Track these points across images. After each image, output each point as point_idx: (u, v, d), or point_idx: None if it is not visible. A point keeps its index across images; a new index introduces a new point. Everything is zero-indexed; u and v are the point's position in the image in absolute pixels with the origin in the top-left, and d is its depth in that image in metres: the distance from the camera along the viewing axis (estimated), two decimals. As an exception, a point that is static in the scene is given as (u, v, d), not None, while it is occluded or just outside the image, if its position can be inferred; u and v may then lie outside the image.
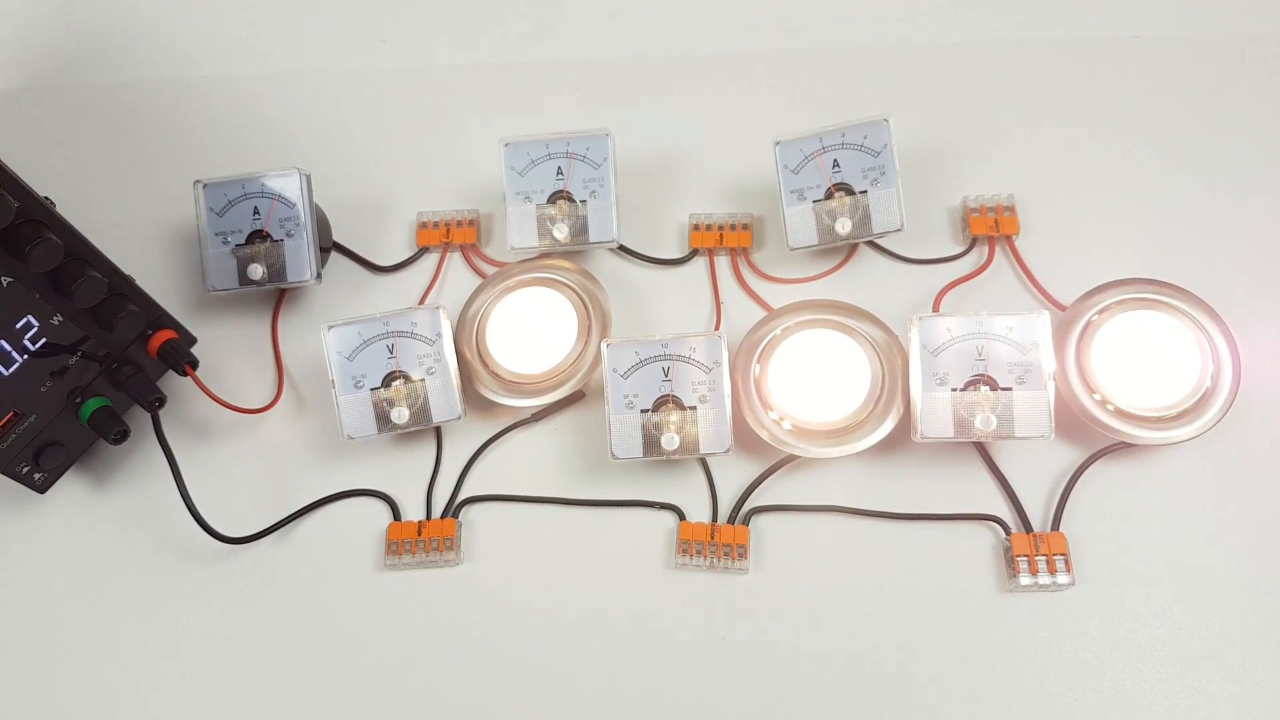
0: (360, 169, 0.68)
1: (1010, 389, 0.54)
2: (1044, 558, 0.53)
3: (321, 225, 0.64)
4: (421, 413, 0.57)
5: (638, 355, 0.55)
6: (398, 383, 0.57)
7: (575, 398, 0.59)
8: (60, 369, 0.54)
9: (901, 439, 0.55)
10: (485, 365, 0.59)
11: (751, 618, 0.54)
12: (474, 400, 0.59)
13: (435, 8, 0.74)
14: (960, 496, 0.56)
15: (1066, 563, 0.53)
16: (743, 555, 0.55)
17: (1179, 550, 0.54)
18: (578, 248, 0.62)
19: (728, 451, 0.55)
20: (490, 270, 0.64)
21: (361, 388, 0.57)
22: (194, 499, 0.55)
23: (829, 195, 0.60)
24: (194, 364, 0.58)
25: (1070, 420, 0.56)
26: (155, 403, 0.56)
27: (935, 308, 0.60)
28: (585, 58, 0.71)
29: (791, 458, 0.56)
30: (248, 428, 0.60)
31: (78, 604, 0.57)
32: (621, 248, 0.64)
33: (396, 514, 0.58)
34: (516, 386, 0.59)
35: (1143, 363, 0.55)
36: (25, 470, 0.56)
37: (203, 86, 0.72)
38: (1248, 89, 0.66)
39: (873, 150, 0.59)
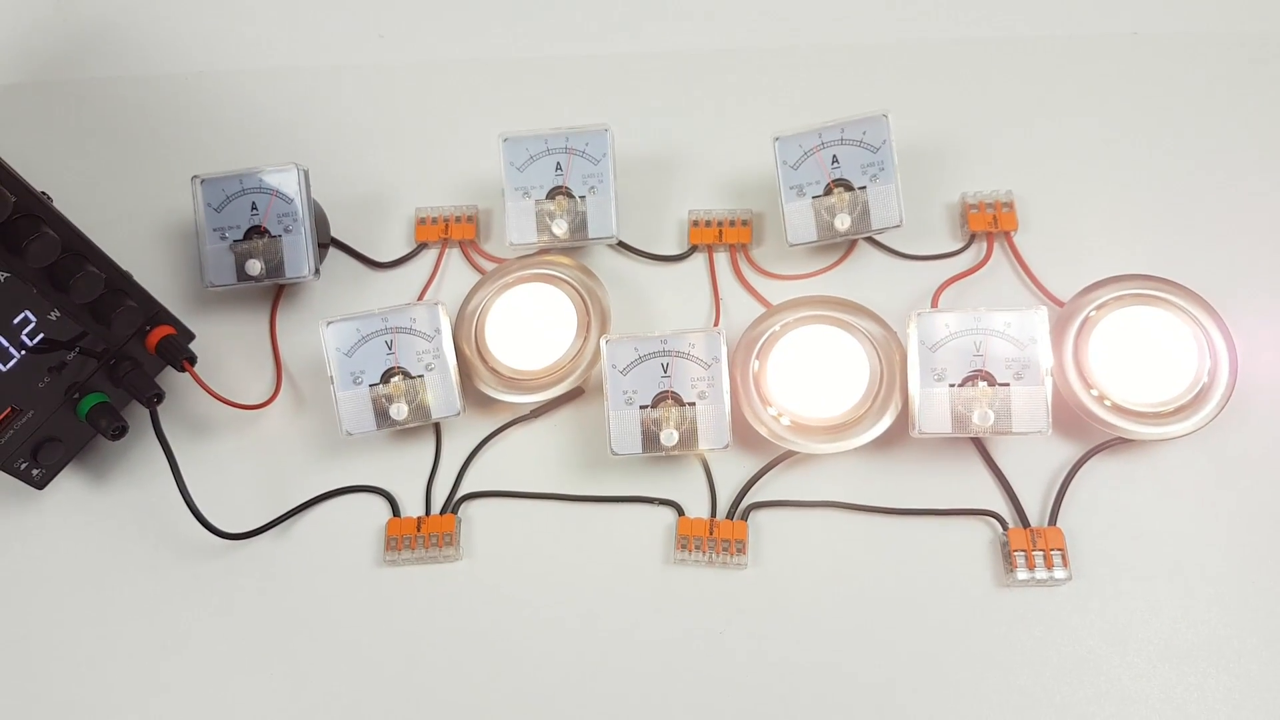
0: (358, 164, 0.68)
1: (1008, 385, 0.54)
2: (1041, 553, 0.53)
3: (320, 221, 0.64)
4: (420, 409, 0.57)
5: (637, 351, 0.55)
6: (397, 379, 0.57)
7: (574, 394, 0.59)
8: (58, 365, 0.54)
9: (899, 435, 0.56)
10: (484, 361, 0.59)
11: (750, 613, 0.54)
12: (473, 396, 0.59)
13: (434, 2, 0.73)
14: (958, 492, 0.56)
15: (1064, 558, 0.53)
16: (741, 551, 0.55)
17: (1176, 545, 0.54)
18: (577, 244, 0.62)
19: (726, 447, 0.55)
20: (489, 266, 0.64)
21: (360, 384, 0.57)
22: (193, 495, 0.55)
23: (828, 191, 0.60)
24: (192, 360, 0.58)
25: (1068, 416, 0.56)
26: (153, 399, 0.56)
27: (934, 304, 0.60)
28: (585, 53, 0.71)
29: (790, 453, 0.57)
30: (246, 424, 0.60)
31: (76, 600, 0.57)
32: (621, 244, 0.64)
33: (396, 510, 0.58)
34: (515, 383, 0.59)
35: (1140, 358, 0.55)
36: (23, 466, 0.56)
37: (200, 82, 0.71)
38: (1246, 86, 0.66)
39: (872, 146, 0.59)
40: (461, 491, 0.58)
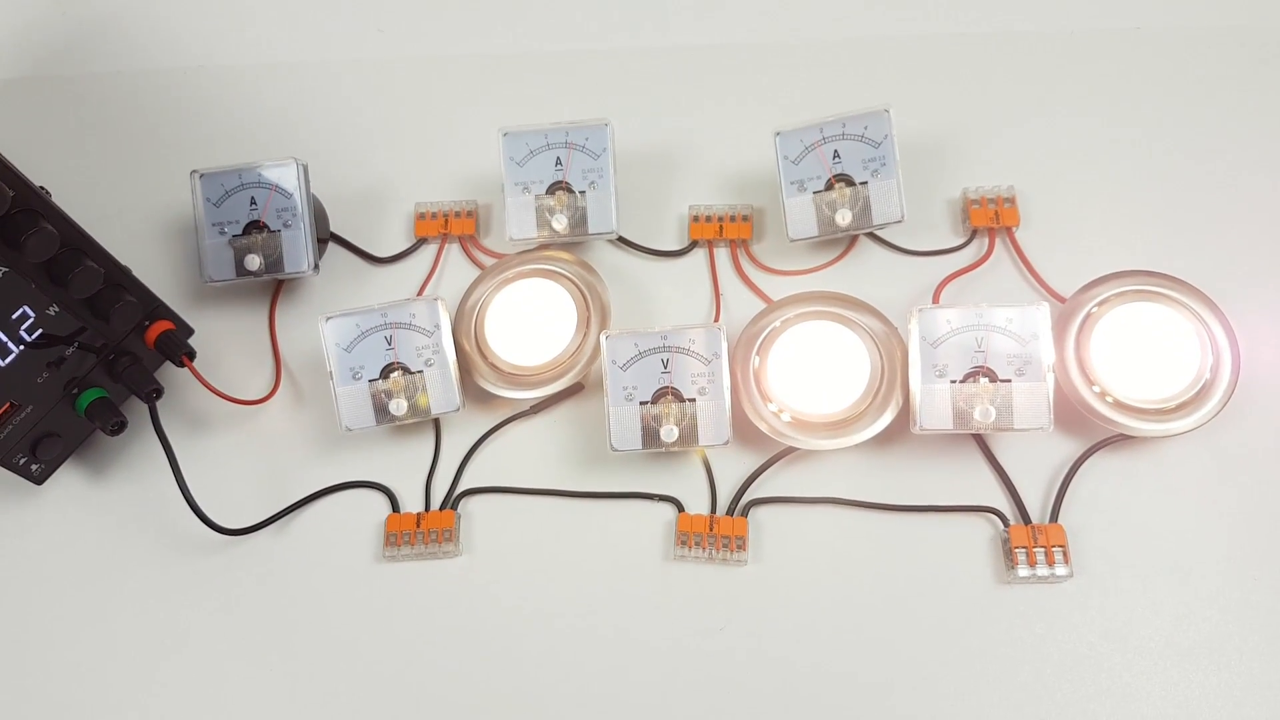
0: (358, 159, 0.67)
1: (1009, 381, 0.54)
2: (1042, 549, 0.53)
3: (319, 216, 0.63)
4: (420, 404, 0.57)
5: (637, 347, 0.55)
6: (396, 374, 0.57)
7: (574, 390, 0.59)
8: (57, 360, 0.54)
9: (901, 431, 0.55)
10: (484, 357, 0.59)
11: (750, 610, 0.54)
12: (473, 392, 0.59)
13: (433, -3, 0.73)
14: (959, 488, 0.56)
15: (1065, 554, 0.53)
16: (741, 547, 0.55)
17: (1177, 542, 0.54)
18: (577, 239, 0.62)
19: (726, 443, 0.55)
20: (489, 261, 0.63)
21: (360, 379, 0.57)
22: (192, 490, 0.55)
23: (829, 186, 0.60)
24: (191, 355, 0.58)
25: (1069, 412, 0.56)
26: (152, 394, 0.56)
27: (935, 300, 0.60)
28: (585, 48, 0.70)
29: (790, 450, 0.56)
30: (245, 419, 0.60)
31: (75, 596, 0.57)
32: (621, 239, 0.63)
33: (395, 506, 0.58)
34: (515, 378, 0.59)
35: (1142, 355, 0.55)
36: (22, 461, 0.56)
37: (199, 76, 0.71)
38: (1248, 81, 0.66)
39: (873, 141, 0.59)
40: (461, 487, 0.58)
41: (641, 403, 0.55)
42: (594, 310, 0.59)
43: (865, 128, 0.59)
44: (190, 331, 0.59)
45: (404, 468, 0.59)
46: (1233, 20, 0.68)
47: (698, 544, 0.55)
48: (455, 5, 0.73)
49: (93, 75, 0.72)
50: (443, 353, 0.57)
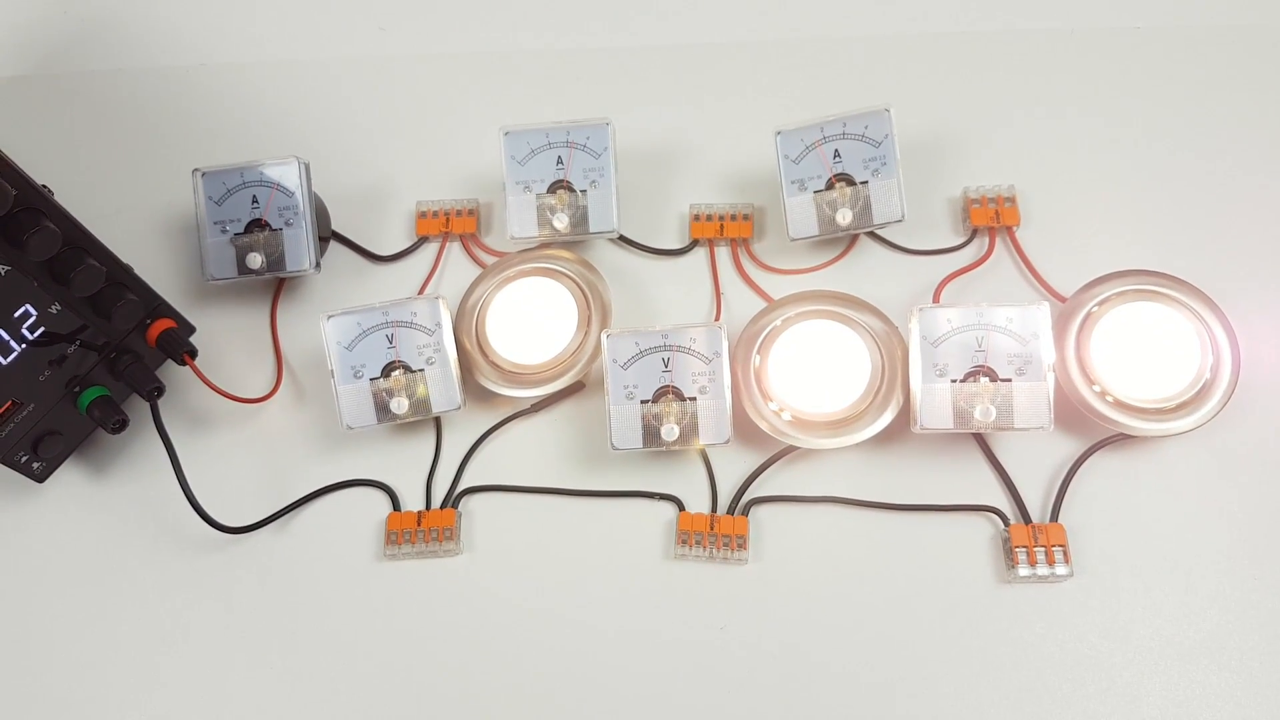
0: (359, 158, 0.67)
1: (1010, 380, 0.54)
2: (1043, 549, 0.53)
3: (320, 214, 0.63)
4: (421, 403, 0.57)
5: (638, 346, 0.55)
6: (397, 373, 0.57)
7: (575, 388, 0.59)
8: (59, 358, 0.54)
9: (901, 430, 0.56)
10: (485, 355, 0.59)
11: (751, 608, 0.54)
12: (473, 390, 0.59)
13: (434, -4, 0.73)
14: (959, 487, 0.56)
15: (1065, 554, 0.53)
16: (742, 546, 0.55)
17: (1178, 542, 0.54)
18: (578, 238, 0.62)
19: (727, 442, 0.55)
20: (490, 260, 0.64)
21: (361, 378, 0.57)
22: (193, 488, 0.55)
23: (830, 186, 0.60)
24: (193, 353, 0.58)
25: (1070, 411, 0.56)
26: (154, 392, 0.56)
27: (935, 299, 0.60)
28: (587, 46, 0.70)
29: (791, 449, 0.56)
30: (247, 417, 0.60)
31: (76, 593, 0.57)
32: (622, 238, 0.63)
33: (396, 504, 0.58)
34: (516, 377, 0.59)
35: (1142, 354, 0.55)
36: (24, 459, 0.56)
37: (201, 75, 0.71)
38: (1248, 80, 0.66)
39: (874, 140, 0.59)
40: (462, 486, 0.58)
41: (642, 401, 0.55)
42: (595, 309, 0.59)
43: (866, 127, 0.59)
44: (192, 330, 0.59)
45: (405, 466, 0.59)
46: (1234, 19, 0.68)
47: (698, 543, 0.55)
48: (457, 4, 0.73)
49: (95, 74, 0.72)
50: (444, 351, 0.57)
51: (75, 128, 0.70)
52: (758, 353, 0.57)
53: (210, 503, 0.56)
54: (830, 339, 0.57)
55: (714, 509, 0.56)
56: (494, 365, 0.59)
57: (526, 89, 0.69)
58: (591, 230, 0.61)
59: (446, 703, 0.53)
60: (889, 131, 0.59)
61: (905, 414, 0.55)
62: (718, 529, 0.55)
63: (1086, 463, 0.55)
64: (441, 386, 0.57)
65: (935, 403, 0.54)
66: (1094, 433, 0.56)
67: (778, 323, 0.57)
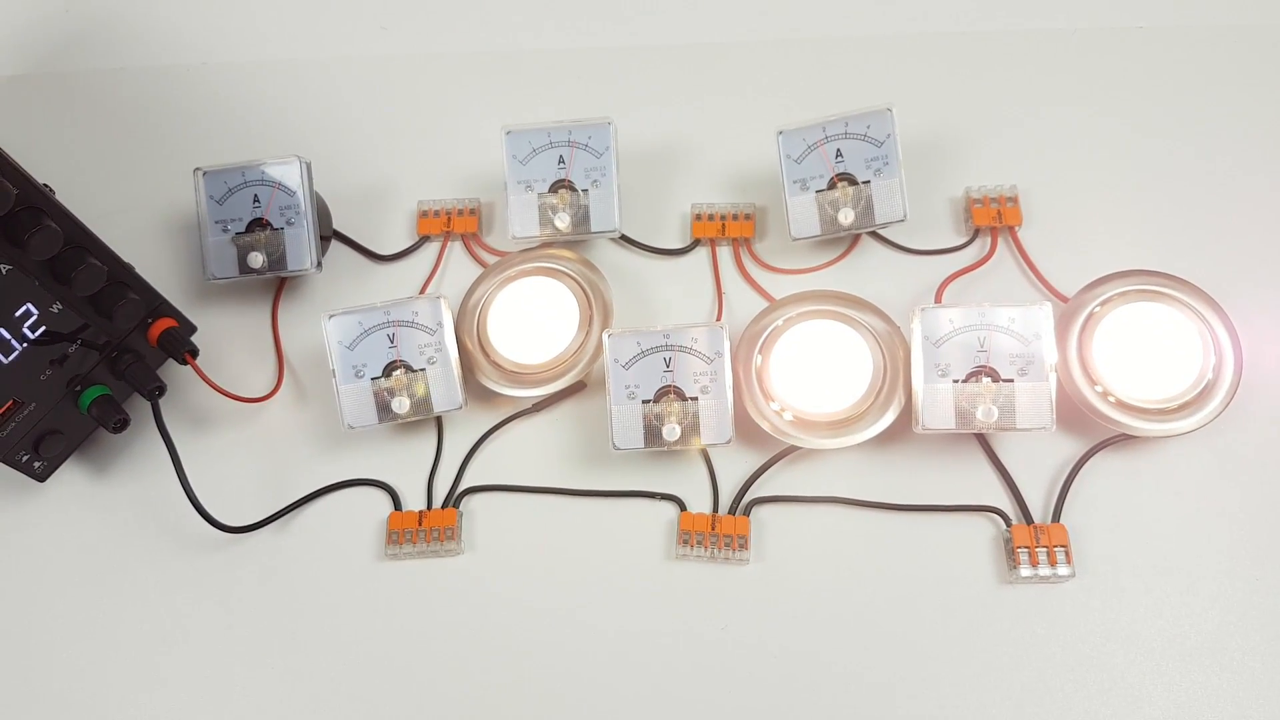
0: (361, 157, 0.67)
1: (1012, 380, 0.54)
2: (1044, 549, 0.53)
3: (322, 213, 0.63)
4: (422, 402, 0.57)
5: (639, 346, 0.55)
6: (398, 372, 0.57)
7: (576, 388, 0.59)
8: (60, 357, 0.54)
9: (903, 430, 0.55)
10: (486, 355, 0.59)
11: (752, 609, 0.54)
12: (475, 390, 0.59)
13: (436, -5, 0.73)
14: (961, 488, 0.56)
15: (1067, 554, 0.53)
16: (743, 546, 0.55)
17: (1180, 542, 0.54)
18: (579, 237, 0.62)
19: (729, 442, 0.55)
20: (491, 259, 0.63)
21: (362, 377, 0.57)
22: (194, 488, 0.55)
23: (832, 185, 0.60)
24: (194, 352, 0.58)
25: (1072, 412, 0.56)
26: (155, 391, 0.56)
27: (937, 299, 0.60)
28: (588, 46, 0.70)
29: (793, 449, 0.56)
30: (248, 417, 0.60)
31: (77, 593, 0.57)
32: (623, 237, 0.63)
33: (397, 504, 0.58)
34: (517, 376, 0.59)
35: (1145, 355, 0.55)
36: (25, 459, 0.56)
37: (203, 73, 0.71)
38: (1252, 80, 0.65)
39: (876, 140, 0.59)
40: (463, 485, 0.58)
41: (644, 401, 0.55)
42: (596, 309, 0.59)
43: (868, 126, 0.59)
44: (193, 329, 0.59)
45: (406, 466, 0.59)
46: (1236, 19, 0.67)
47: (699, 543, 0.55)
48: (458, 3, 0.73)
49: (96, 72, 0.72)
50: (445, 351, 0.57)
51: (77, 127, 0.70)
52: (759, 352, 0.57)
53: (211, 502, 0.56)
54: (832, 339, 0.57)
55: (715, 509, 0.56)
56: (495, 365, 0.59)
57: (528, 88, 0.69)
58: (593, 230, 0.61)
59: (448, 703, 0.53)
60: (891, 131, 0.59)
61: (907, 414, 0.55)
62: (719, 529, 0.55)
63: (1088, 463, 0.55)
64: (443, 386, 0.57)
65: (937, 403, 0.54)
66: (1096, 433, 0.56)
67: (779, 323, 0.57)
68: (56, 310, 0.53)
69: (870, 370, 0.56)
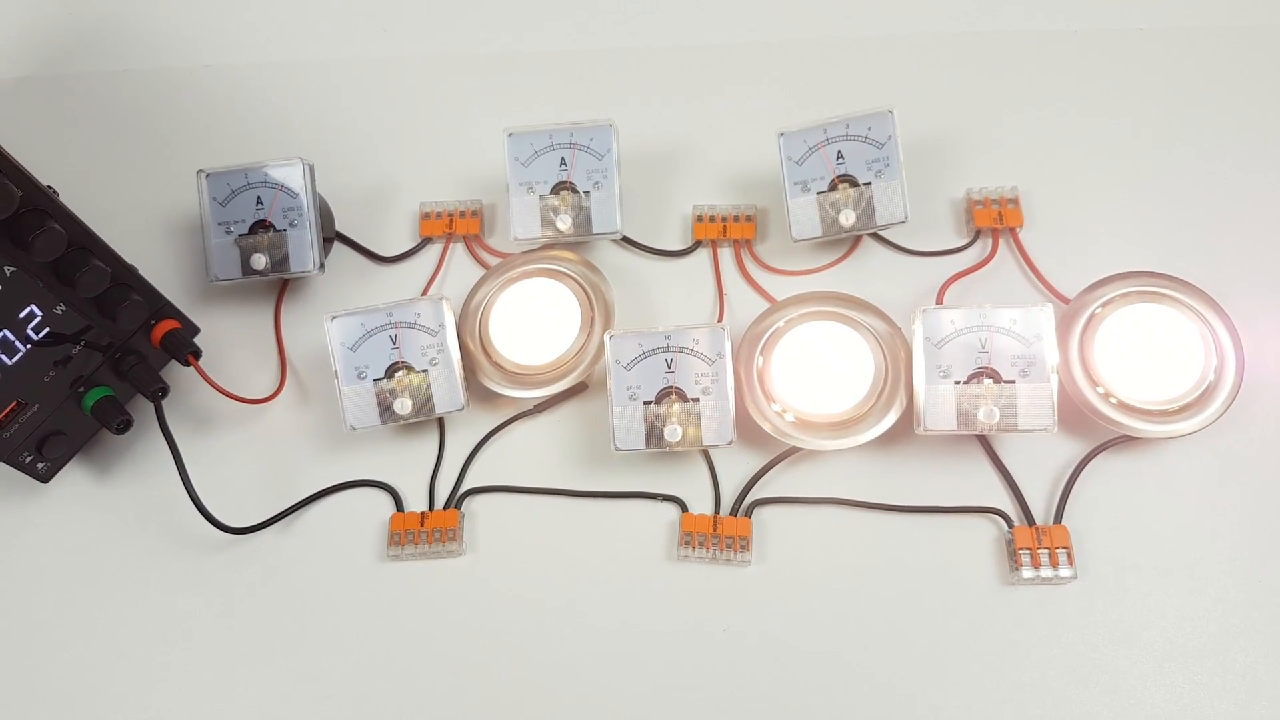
0: (363, 159, 0.68)
1: (1013, 382, 0.54)
2: (1046, 551, 0.53)
3: (324, 215, 0.64)
4: (424, 403, 0.57)
5: (640, 347, 0.55)
6: (401, 373, 0.57)
7: (578, 389, 0.59)
8: (63, 358, 0.54)
9: (904, 431, 0.55)
10: (488, 356, 0.59)
11: (753, 610, 0.54)
12: (477, 391, 0.59)
13: (438, -2, 0.74)
14: (963, 489, 0.56)
15: (1069, 556, 0.53)
16: (745, 547, 0.55)
17: (1182, 544, 0.54)
18: (581, 239, 0.62)
19: (730, 443, 0.55)
20: (493, 261, 0.64)
21: (364, 378, 0.57)
22: (197, 489, 0.55)
23: (833, 187, 0.60)
24: (197, 354, 0.58)
25: (1073, 413, 0.56)
26: (158, 392, 0.56)
27: (939, 300, 0.60)
28: (590, 48, 0.70)
29: (794, 450, 0.56)
30: (250, 418, 0.60)
31: (80, 593, 0.57)
32: (625, 239, 0.64)
33: (399, 505, 0.58)
34: (519, 378, 0.59)
35: (1146, 356, 0.55)
36: (28, 460, 0.56)
37: (205, 76, 0.72)
38: (1253, 82, 0.65)
39: (877, 142, 0.59)
40: (465, 486, 0.58)
41: (645, 402, 0.55)
42: (598, 310, 0.59)
43: (869, 128, 0.59)
44: (196, 330, 0.59)
45: (408, 467, 0.59)
46: (1238, 20, 0.67)
47: (701, 544, 0.55)
48: (460, 5, 0.73)
49: (100, 75, 0.72)
50: (447, 352, 0.57)
51: (80, 129, 0.70)
52: (761, 354, 0.57)
53: (214, 503, 0.56)
54: (833, 340, 0.57)
55: (717, 510, 0.56)
56: (497, 366, 0.59)
57: (530, 90, 0.69)
58: (595, 231, 0.61)
59: (449, 703, 0.53)
60: (892, 133, 0.59)
61: (908, 415, 0.55)
62: (720, 530, 0.55)
63: (1090, 465, 0.55)
64: (445, 387, 0.57)
65: (939, 404, 0.54)
66: (1098, 434, 0.56)
67: (781, 324, 0.57)
68: (60, 312, 0.53)
69: (871, 371, 0.56)
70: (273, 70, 0.71)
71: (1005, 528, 0.55)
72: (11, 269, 0.50)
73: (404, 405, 0.57)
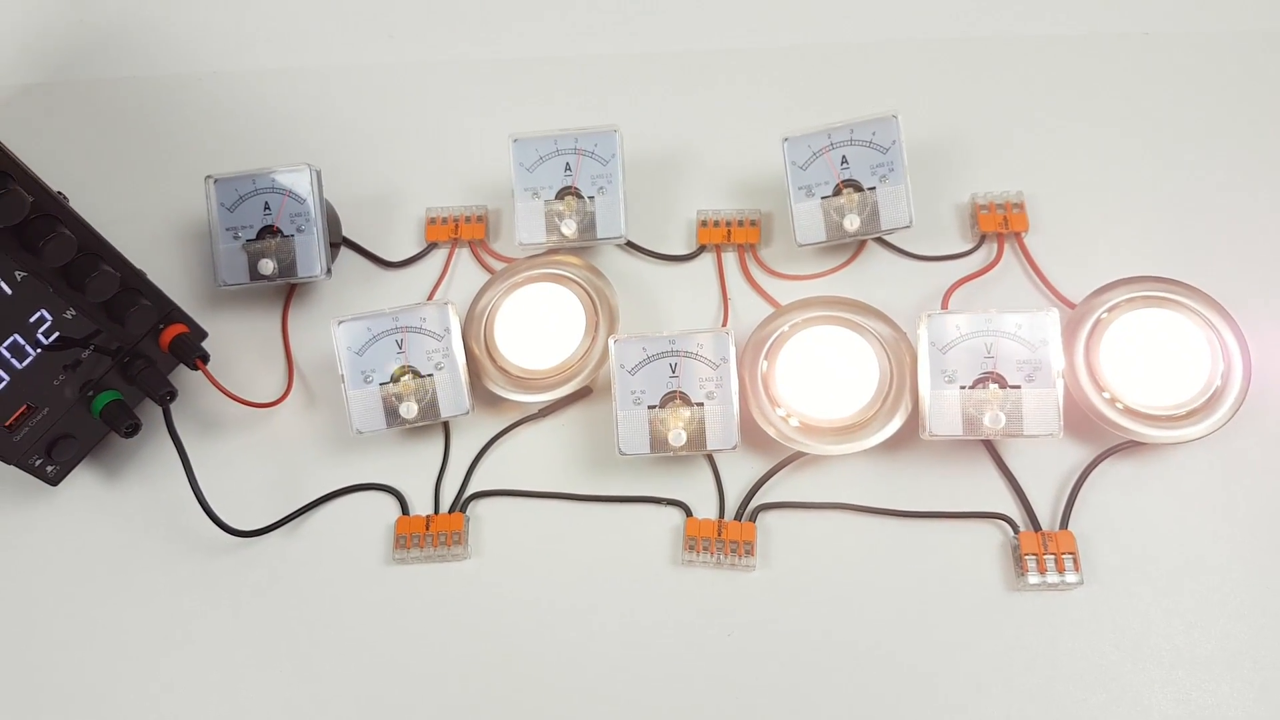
0: (370, 165, 0.68)
1: (1019, 387, 0.54)
2: (1052, 556, 0.53)
3: (331, 221, 0.64)
4: (430, 408, 0.57)
5: (645, 351, 0.55)
6: (406, 377, 0.57)
7: (583, 393, 0.59)
8: (73, 362, 0.55)
9: (909, 436, 0.55)
10: (493, 361, 0.59)
11: (758, 615, 0.54)
12: (482, 395, 0.60)
13: (444, 3, 0.74)
14: (968, 494, 0.55)
15: (1075, 562, 0.53)
16: (749, 552, 0.55)
17: (1188, 550, 0.54)
18: (586, 244, 0.62)
19: (735, 448, 0.55)
20: (498, 266, 0.64)
21: (370, 382, 0.57)
22: (204, 492, 0.56)
23: (837, 192, 0.60)
24: (205, 358, 0.58)
25: (1079, 418, 0.55)
26: (166, 396, 0.57)
27: (944, 305, 0.60)
28: (594, 53, 0.71)
29: (799, 455, 0.56)
30: (258, 422, 0.61)
31: (89, 596, 0.57)
32: (629, 244, 0.64)
33: (405, 508, 0.58)
34: (524, 382, 0.59)
35: (1152, 361, 0.55)
36: (38, 463, 0.56)
37: (214, 82, 0.72)
38: (1259, 86, 0.65)
39: (881, 146, 0.59)
40: (470, 490, 0.58)
41: (650, 407, 0.55)
42: (602, 315, 0.59)
43: (873, 133, 0.59)
44: (204, 335, 0.60)
45: (414, 470, 0.59)
46: (1244, 25, 0.67)
47: (706, 549, 0.55)
48: (465, 11, 0.74)
49: (109, 81, 0.73)
50: (453, 356, 0.57)
51: (90, 135, 0.71)
52: (765, 358, 0.57)
53: (221, 506, 0.56)
54: (838, 345, 0.57)
55: (721, 515, 0.56)
56: (502, 370, 0.59)
57: (535, 96, 0.70)
58: (599, 236, 0.61)
59: (455, 707, 0.53)
60: (896, 137, 0.59)
61: (914, 420, 0.55)
62: (725, 535, 0.55)
63: (1096, 470, 0.55)
64: (450, 391, 0.57)
65: (944, 409, 0.54)
66: (1104, 440, 0.55)
67: (785, 328, 0.57)
68: (70, 316, 0.53)
69: (876, 376, 0.56)
70: (280, 76, 0.72)
71: (1011, 533, 0.54)
72: (22, 274, 0.51)
73: (409, 409, 0.57)
